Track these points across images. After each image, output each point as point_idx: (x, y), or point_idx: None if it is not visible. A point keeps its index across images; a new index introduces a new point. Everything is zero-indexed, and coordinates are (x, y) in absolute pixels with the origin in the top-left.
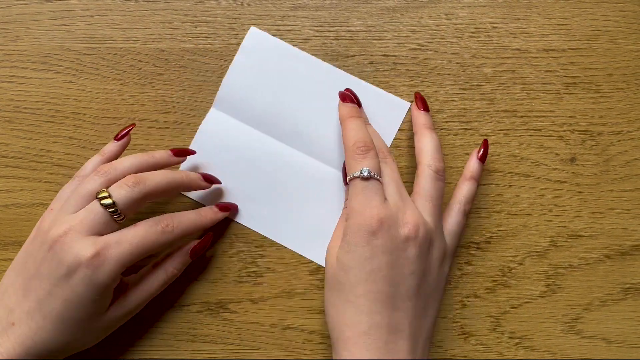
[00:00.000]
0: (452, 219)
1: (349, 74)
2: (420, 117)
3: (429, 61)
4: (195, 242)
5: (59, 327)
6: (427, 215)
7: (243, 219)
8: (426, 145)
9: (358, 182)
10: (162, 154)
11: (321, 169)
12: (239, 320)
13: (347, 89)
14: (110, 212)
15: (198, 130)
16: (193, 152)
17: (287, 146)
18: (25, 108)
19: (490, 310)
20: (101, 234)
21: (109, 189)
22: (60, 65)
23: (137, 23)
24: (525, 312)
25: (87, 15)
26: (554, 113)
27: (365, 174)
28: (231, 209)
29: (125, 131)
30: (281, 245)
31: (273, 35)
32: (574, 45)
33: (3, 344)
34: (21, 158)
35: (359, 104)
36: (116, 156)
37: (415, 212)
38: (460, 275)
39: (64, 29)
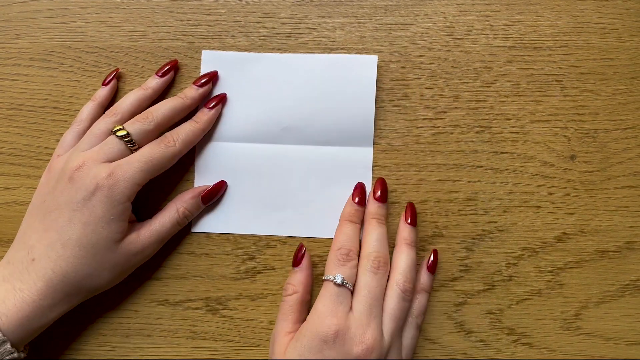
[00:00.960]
0: (408, 333)
1: (309, 54)
2: (405, 231)
3: (429, 59)
4: (208, 187)
5: (78, 254)
6: (387, 335)
7: (266, 228)
8: (401, 262)
9: (330, 285)
10: (152, 81)
11: (319, 151)
12: (240, 318)
13: (360, 184)
14: (125, 141)
15: (195, 166)
16: (175, 62)
17: (280, 145)
18: (26, 106)
19: (490, 308)
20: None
21: (126, 124)
22: (61, 63)
23: (138, 21)
24: (525, 309)
25: (88, 13)
26: (554, 110)
27: (338, 280)
28: (221, 100)
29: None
30: (281, 243)
31: (275, 33)
32: (574, 42)
33: (24, 281)
34: (22, 155)
35: (384, 199)
36: (107, 100)
37: (376, 334)
38: (460, 273)
39: (65, 26)
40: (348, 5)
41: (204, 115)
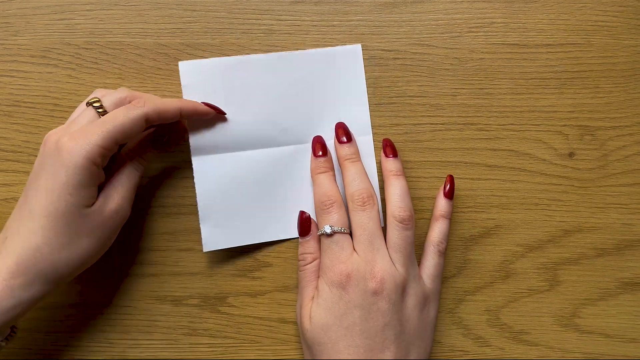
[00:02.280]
0: (429, 262)
1: (290, 52)
2: (387, 163)
3: (428, 56)
4: (151, 131)
5: (46, 224)
6: (399, 266)
7: (281, 233)
8: (392, 194)
9: (324, 239)
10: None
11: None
12: (238, 314)
13: (317, 137)
14: (95, 107)
15: (196, 186)
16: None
17: (281, 148)
18: (25, 102)
19: (488, 305)
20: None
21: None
22: (60, 60)
23: (137, 17)
24: (524, 306)
25: (87, 10)
26: (552, 108)
27: (328, 230)
28: (215, 109)
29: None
30: (279, 239)
31: (274, 30)
32: (572, 40)
33: None
34: (21, 152)
35: (349, 139)
36: None
37: (384, 264)
38: (459, 270)
39: (64, 23)
40: (347, 2)
41: (191, 101)
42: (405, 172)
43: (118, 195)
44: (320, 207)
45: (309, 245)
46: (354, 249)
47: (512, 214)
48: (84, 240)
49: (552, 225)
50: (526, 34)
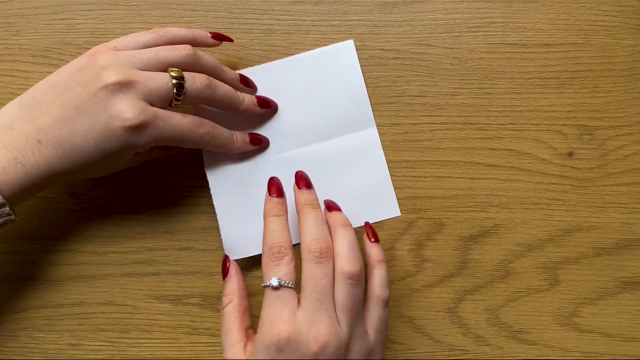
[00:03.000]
0: (373, 314)
1: (285, 59)
2: (331, 217)
3: (428, 56)
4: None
5: (84, 162)
6: (345, 326)
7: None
8: (338, 247)
9: (268, 291)
10: (201, 34)
11: (327, 146)
12: None
13: (273, 179)
14: (175, 92)
15: (213, 197)
16: (230, 39)
17: (288, 152)
18: None
19: (488, 304)
20: (152, 105)
21: (185, 73)
22: (61, 60)
23: (138, 17)
24: (523, 305)
25: (88, 10)
26: (552, 107)
27: (274, 283)
28: (263, 142)
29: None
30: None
31: (274, 30)
32: (572, 40)
33: (28, 158)
34: None
35: (309, 186)
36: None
37: (330, 326)
38: (458, 269)
39: (65, 23)
40: (346, 2)
41: (242, 144)
42: (405, 172)
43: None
44: (269, 255)
45: (227, 287)
46: (299, 303)
47: (512, 214)
48: (104, 168)
49: (551, 224)
50: (525, 33)
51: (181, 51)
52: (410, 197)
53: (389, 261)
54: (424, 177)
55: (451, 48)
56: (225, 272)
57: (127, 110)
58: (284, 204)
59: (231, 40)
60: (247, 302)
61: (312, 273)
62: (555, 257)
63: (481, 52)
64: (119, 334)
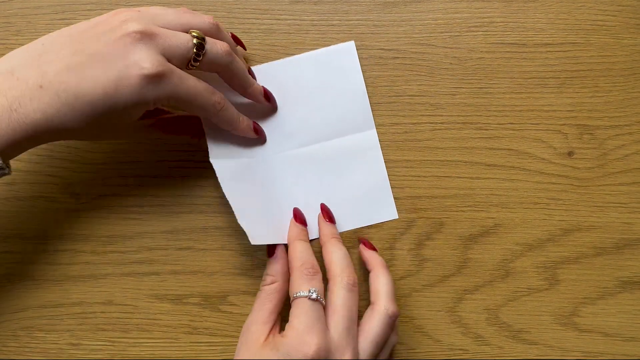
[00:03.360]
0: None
1: (285, 59)
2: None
3: (428, 55)
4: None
5: (88, 112)
6: (365, 355)
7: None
8: (381, 286)
9: (305, 301)
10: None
11: (327, 147)
12: (238, 313)
13: (296, 210)
14: (195, 52)
15: (220, 182)
16: (243, 47)
17: (289, 152)
18: None
19: (487, 304)
20: (170, 62)
21: (206, 37)
22: None
23: None
24: (523, 305)
25: (88, 9)
26: (551, 107)
27: (314, 295)
28: (262, 135)
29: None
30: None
31: (274, 30)
32: (571, 39)
33: (24, 105)
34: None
35: (333, 221)
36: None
37: (353, 355)
38: (458, 269)
39: (65, 23)
40: (346, 1)
41: (246, 128)
42: (404, 172)
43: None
44: (302, 270)
45: (273, 267)
46: (328, 326)
47: (512, 213)
48: (110, 132)
49: (551, 224)
50: (525, 33)
51: (204, 19)
52: (410, 197)
53: (389, 261)
54: (424, 176)
55: (451, 48)
56: (271, 252)
57: (145, 59)
58: (307, 232)
59: (244, 49)
60: (287, 287)
61: (346, 298)
62: (555, 256)
63: (481, 51)
64: (119, 333)
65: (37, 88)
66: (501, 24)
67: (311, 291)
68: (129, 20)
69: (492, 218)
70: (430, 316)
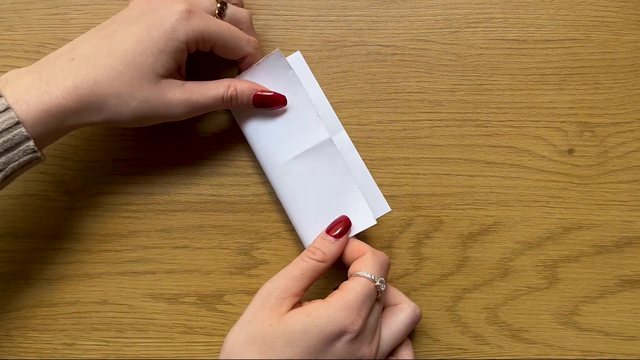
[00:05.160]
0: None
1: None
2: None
3: (427, 51)
4: (264, 89)
5: (118, 67)
6: (381, 354)
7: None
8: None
9: (368, 283)
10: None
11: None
12: (235, 312)
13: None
14: (218, 6)
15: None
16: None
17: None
18: None
19: (487, 303)
20: None
21: (227, 4)
22: None
23: None
24: (522, 304)
25: (82, 5)
26: (552, 104)
27: (377, 282)
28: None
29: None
30: (277, 237)
31: (271, 25)
32: (572, 36)
33: (55, 74)
34: None
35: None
36: None
37: (374, 349)
38: (457, 267)
39: (59, 18)
40: None
41: (258, 54)
42: (403, 169)
43: (188, 94)
44: (382, 258)
45: (329, 247)
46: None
47: (511, 211)
48: (133, 103)
49: (551, 222)
50: (525, 29)
51: None
52: (408, 195)
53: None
54: (423, 174)
55: (450, 44)
56: (339, 234)
57: (175, 3)
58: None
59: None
60: (325, 272)
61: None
62: (555, 255)
63: (481, 48)
64: (114, 333)
65: (68, 61)
66: (501, 20)
67: (381, 283)
68: None
69: (492, 216)
70: (429, 315)
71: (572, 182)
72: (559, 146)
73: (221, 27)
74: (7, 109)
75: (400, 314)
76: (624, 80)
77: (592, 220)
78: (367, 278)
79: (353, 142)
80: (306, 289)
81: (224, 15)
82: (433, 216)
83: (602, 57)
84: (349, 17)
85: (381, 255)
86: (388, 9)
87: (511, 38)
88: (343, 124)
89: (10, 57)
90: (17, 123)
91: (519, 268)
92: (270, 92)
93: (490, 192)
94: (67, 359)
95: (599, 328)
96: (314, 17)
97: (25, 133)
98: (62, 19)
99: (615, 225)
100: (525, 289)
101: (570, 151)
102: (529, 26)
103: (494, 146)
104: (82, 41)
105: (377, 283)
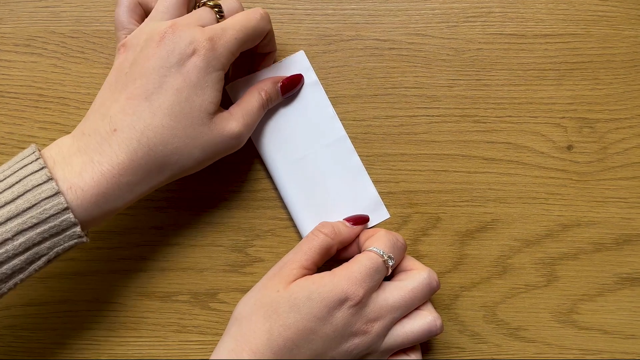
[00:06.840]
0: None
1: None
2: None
3: (424, 46)
4: (284, 77)
5: (168, 124)
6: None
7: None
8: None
9: (376, 259)
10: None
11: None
12: (229, 311)
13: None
14: (216, 10)
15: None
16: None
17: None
18: (9, 92)
19: (485, 301)
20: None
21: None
22: (45, 49)
23: None
24: (521, 302)
25: None
26: (551, 100)
27: (390, 263)
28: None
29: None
30: (272, 234)
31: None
32: (571, 30)
33: (104, 153)
34: (4, 144)
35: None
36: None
37: (380, 330)
38: (455, 265)
39: (49, 10)
40: None
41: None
42: (400, 165)
43: (243, 118)
44: (396, 237)
45: (342, 230)
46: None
47: (510, 208)
48: (196, 151)
49: (550, 219)
50: (524, 24)
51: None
52: (405, 191)
53: None
54: (420, 170)
55: (448, 38)
56: (357, 221)
57: (191, 36)
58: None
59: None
60: (333, 254)
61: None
62: (554, 252)
63: (479, 42)
64: (106, 332)
65: (110, 133)
66: (500, 14)
67: (390, 258)
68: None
69: (490, 213)
70: None
71: (571, 179)
72: (558, 142)
73: (234, 26)
74: (57, 193)
75: (420, 320)
76: (623, 76)
77: (591, 218)
78: (376, 252)
79: (349, 137)
80: (316, 264)
81: (224, 16)
82: (430, 213)
83: (602, 52)
84: (346, 11)
85: (396, 234)
86: (385, 2)
87: (510, 33)
88: (339, 119)
89: (0, 50)
90: (66, 209)
91: (517, 266)
92: (287, 77)
93: (488, 189)
94: (58, 358)
95: (598, 326)
96: (309, 11)
97: (72, 219)
98: (53, 11)
99: (614, 222)
100: (524, 287)
101: (570, 147)
102: (528, 20)
103: (493, 142)
104: (110, 108)
105: (385, 258)
